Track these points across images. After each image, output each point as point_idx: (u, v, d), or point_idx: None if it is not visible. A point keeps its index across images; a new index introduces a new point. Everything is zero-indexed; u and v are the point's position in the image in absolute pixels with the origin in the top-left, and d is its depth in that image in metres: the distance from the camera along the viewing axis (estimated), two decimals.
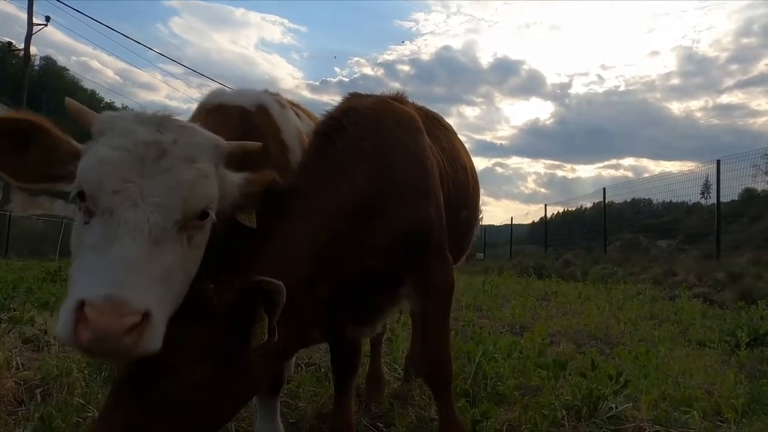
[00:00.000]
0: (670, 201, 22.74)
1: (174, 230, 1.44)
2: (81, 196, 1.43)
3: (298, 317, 1.79)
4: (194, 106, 2.52)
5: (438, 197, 2.29)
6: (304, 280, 1.81)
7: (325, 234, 1.90)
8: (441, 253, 2.30)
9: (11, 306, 5.77)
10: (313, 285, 1.86)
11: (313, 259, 1.86)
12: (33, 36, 29.10)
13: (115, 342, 1.21)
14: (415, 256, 2.18)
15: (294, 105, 2.78)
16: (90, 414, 2.64)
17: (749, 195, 18.24)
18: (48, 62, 69.66)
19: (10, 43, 37.75)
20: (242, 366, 1.64)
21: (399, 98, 2.61)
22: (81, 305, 1.23)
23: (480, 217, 3.49)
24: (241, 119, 2.24)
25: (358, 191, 1.98)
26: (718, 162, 14.98)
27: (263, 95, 2.48)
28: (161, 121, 1.55)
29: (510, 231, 32.41)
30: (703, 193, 19.06)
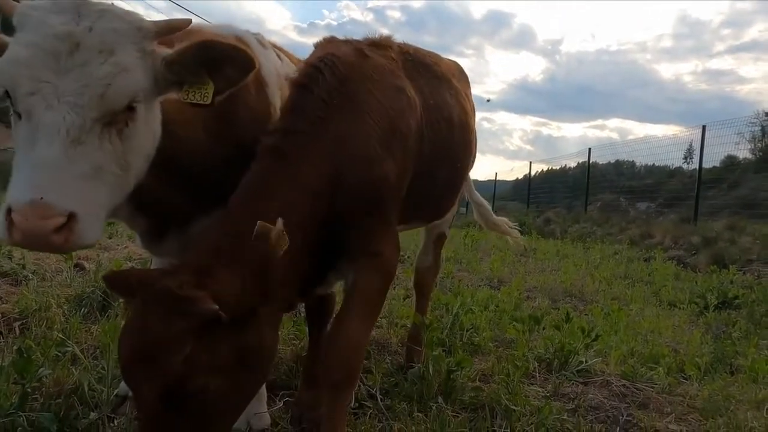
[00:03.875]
0: (653, 164, 22.95)
1: (97, 127, 1.43)
2: (7, 95, 1.42)
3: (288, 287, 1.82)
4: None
5: (402, 160, 2.15)
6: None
7: (308, 196, 1.86)
8: (387, 222, 2.15)
9: None
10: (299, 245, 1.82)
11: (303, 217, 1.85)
12: None
13: (45, 240, 1.30)
14: (363, 219, 2.03)
15: (277, 48, 2.69)
16: (69, 349, 2.64)
17: (731, 162, 18.47)
18: None
19: None
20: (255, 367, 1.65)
21: (383, 42, 2.42)
22: (9, 210, 1.30)
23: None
24: None
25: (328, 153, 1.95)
26: (704, 128, 15.04)
27: (243, 32, 2.39)
28: (79, 6, 1.46)
29: (493, 187, 32.59)
30: (685, 158, 19.27)
